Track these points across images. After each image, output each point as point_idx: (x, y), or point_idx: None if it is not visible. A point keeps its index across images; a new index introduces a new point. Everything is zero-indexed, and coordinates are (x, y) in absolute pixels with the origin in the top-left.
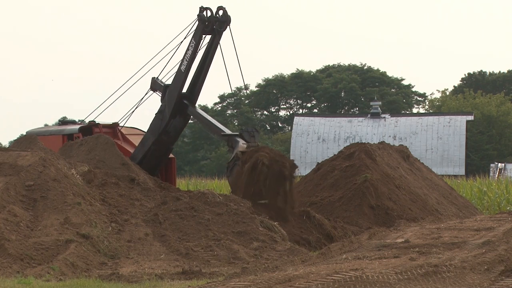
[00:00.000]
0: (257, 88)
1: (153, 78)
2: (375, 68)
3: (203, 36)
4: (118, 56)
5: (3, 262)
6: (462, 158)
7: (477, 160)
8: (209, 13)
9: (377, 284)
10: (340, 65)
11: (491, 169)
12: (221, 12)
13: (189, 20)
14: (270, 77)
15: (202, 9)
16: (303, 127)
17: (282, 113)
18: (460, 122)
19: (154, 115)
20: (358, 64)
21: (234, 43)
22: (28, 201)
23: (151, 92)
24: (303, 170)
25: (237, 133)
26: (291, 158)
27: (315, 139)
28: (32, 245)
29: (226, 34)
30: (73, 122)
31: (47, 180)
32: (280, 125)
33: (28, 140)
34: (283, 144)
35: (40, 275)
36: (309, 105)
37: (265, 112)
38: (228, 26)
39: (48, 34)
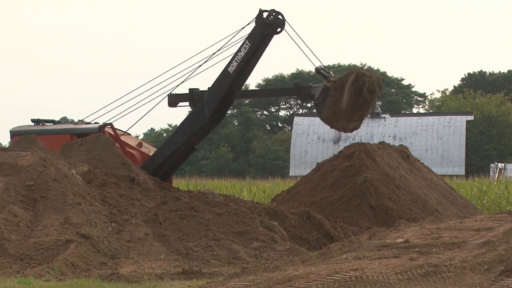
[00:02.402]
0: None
1: (170, 95)
2: (375, 68)
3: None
4: (118, 56)
5: (3, 262)
6: (462, 158)
7: (477, 160)
8: (267, 15)
9: (377, 284)
10: (340, 65)
11: (491, 169)
12: (275, 15)
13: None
14: (270, 77)
15: (261, 11)
16: (303, 127)
17: (282, 113)
18: (460, 122)
19: (187, 117)
20: (358, 64)
21: (300, 37)
22: (28, 201)
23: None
24: (303, 170)
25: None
26: (291, 158)
27: (315, 139)
28: (32, 245)
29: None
30: (53, 122)
31: (47, 180)
32: (280, 125)
33: (28, 140)
34: (283, 144)
35: (40, 275)
36: (309, 105)
37: (265, 112)
38: (282, 30)
39: (48, 34)
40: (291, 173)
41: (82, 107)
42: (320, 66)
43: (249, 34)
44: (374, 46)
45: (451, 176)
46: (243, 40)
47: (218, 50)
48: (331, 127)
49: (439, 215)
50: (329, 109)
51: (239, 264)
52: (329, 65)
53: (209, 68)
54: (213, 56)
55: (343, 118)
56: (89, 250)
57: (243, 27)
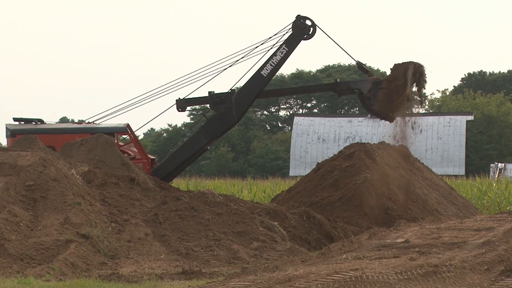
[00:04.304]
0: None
1: (178, 100)
2: (375, 68)
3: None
4: (117, 57)
5: (3, 262)
6: (462, 158)
7: (477, 160)
8: (308, 23)
9: (377, 284)
10: (340, 65)
11: (491, 169)
12: (308, 21)
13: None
14: None
15: (300, 17)
16: (303, 127)
17: (282, 113)
18: (460, 122)
19: (211, 119)
20: None
21: (331, 38)
22: (28, 201)
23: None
24: (303, 170)
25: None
26: (291, 158)
27: (315, 139)
28: (32, 245)
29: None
30: (41, 121)
31: (47, 180)
32: (280, 125)
33: (28, 140)
34: (283, 144)
35: (40, 275)
36: (309, 105)
37: (265, 112)
38: (314, 35)
39: (48, 33)
40: (291, 173)
41: (81, 107)
42: (358, 61)
43: (287, 39)
44: (374, 46)
45: (451, 176)
46: (277, 45)
47: (245, 56)
48: (383, 119)
49: (439, 215)
50: (382, 101)
51: (239, 264)
52: (329, 64)
53: (204, 72)
54: (240, 61)
55: (396, 108)
56: (89, 250)
57: (277, 33)
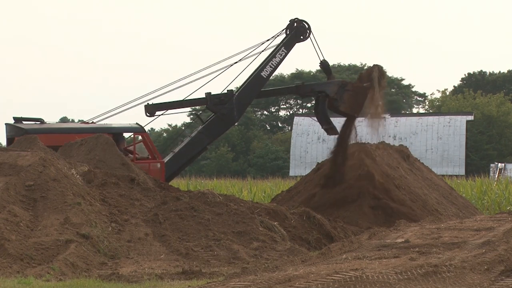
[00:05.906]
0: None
1: (147, 105)
2: None
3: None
4: (117, 57)
5: (3, 262)
6: (462, 158)
7: (477, 160)
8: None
9: (377, 284)
10: (340, 65)
11: (491, 169)
12: (304, 23)
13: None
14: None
15: (298, 21)
16: (303, 127)
17: (282, 113)
18: (460, 122)
19: (214, 120)
20: (358, 64)
21: (318, 47)
22: (28, 201)
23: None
24: (303, 170)
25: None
26: (291, 158)
27: (315, 139)
28: (32, 245)
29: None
30: (41, 121)
31: (47, 180)
32: (280, 125)
33: (28, 140)
34: (283, 144)
35: (40, 275)
36: (309, 105)
37: (265, 112)
38: (309, 37)
39: (48, 34)
40: (291, 173)
41: (81, 107)
42: (324, 60)
43: (286, 41)
44: (374, 46)
45: (451, 176)
46: (275, 47)
47: (242, 59)
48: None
49: (439, 215)
50: (348, 102)
51: (239, 264)
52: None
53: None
54: (235, 64)
55: (360, 109)
56: (89, 250)
57: (269, 38)
